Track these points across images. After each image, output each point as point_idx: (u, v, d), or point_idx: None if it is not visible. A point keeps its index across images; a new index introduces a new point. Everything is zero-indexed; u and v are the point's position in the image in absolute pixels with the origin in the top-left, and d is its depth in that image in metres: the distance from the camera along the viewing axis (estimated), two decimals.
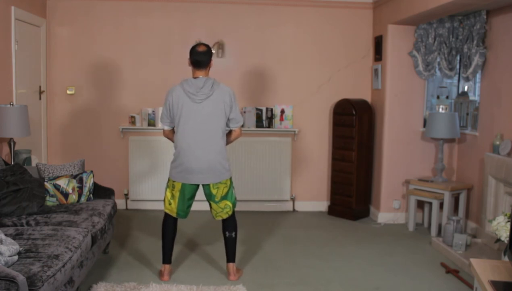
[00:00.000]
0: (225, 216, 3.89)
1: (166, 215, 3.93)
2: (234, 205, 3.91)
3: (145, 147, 5.83)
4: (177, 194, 3.82)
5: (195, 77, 3.74)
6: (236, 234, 3.94)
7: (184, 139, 3.72)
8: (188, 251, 4.53)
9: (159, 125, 5.74)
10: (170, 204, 3.87)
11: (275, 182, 5.96)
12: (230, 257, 3.94)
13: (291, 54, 5.95)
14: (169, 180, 3.87)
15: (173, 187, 3.83)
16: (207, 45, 3.80)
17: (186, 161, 3.72)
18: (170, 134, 3.93)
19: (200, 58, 3.71)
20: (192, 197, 3.88)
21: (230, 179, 3.88)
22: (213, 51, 3.74)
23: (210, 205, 3.91)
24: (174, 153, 3.82)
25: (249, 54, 5.92)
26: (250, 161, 5.90)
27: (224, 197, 3.84)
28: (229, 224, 3.92)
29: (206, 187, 3.81)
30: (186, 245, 4.68)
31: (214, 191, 3.80)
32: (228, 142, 3.91)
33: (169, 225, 3.92)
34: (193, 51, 3.74)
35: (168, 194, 3.87)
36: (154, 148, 5.84)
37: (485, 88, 4.93)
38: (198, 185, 3.82)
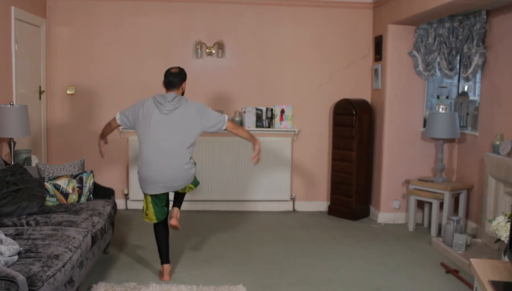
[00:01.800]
0: (186, 191, 4.03)
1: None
2: (196, 185, 4.05)
3: None
4: (150, 205, 3.88)
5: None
6: (183, 196, 4.06)
7: (149, 150, 3.74)
8: (188, 251, 4.53)
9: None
10: (147, 214, 3.91)
11: (275, 182, 5.96)
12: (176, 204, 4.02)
13: (291, 54, 5.95)
14: (144, 193, 3.91)
15: (145, 198, 3.89)
16: (181, 68, 3.94)
17: (150, 174, 3.75)
18: (109, 129, 4.06)
19: (172, 79, 3.85)
20: (165, 202, 3.97)
21: (194, 182, 4.02)
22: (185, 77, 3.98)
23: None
24: (138, 164, 3.86)
25: (249, 54, 5.92)
26: (250, 160, 5.89)
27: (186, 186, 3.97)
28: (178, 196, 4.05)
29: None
30: (186, 245, 4.68)
31: (181, 191, 3.97)
32: (245, 138, 4.07)
33: (160, 229, 3.97)
34: (167, 72, 3.90)
35: (144, 205, 3.92)
36: None
37: (485, 88, 4.93)
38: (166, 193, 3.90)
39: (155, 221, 3.92)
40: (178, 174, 3.77)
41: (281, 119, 5.92)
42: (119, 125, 3.98)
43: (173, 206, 4.01)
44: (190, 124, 3.77)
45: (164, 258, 3.92)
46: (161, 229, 3.95)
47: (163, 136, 3.72)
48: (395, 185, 5.66)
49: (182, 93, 3.93)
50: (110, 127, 4.08)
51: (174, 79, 3.85)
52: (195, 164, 3.95)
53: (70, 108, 5.85)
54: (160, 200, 3.88)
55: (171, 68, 3.93)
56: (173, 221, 3.94)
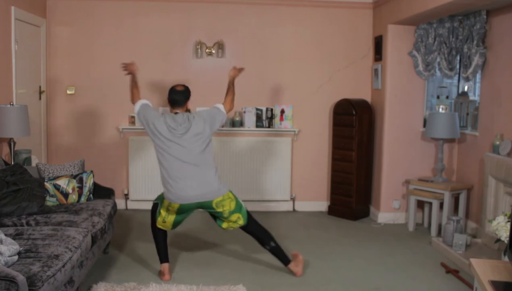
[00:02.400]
0: (236, 226, 3.95)
1: (152, 219, 3.99)
2: (245, 214, 3.94)
3: (145, 147, 5.83)
4: (173, 215, 3.88)
5: (174, 113, 3.88)
6: (275, 242, 3.99)
7: (173, 173, 3.76)
8: (188, 251, 4.53)
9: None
10: (164, 222, 3.91)
11: (275, 182, 5.96)
12: (285, 262, 4.01)
13: (291, 54, 5.95)
14: (163, 200, 3.89)
15: (168, 209, 3.86)
16: (185, 86, 3.96)
17: (179, 191, 3.75)
18: (135, 94, 4.18)
19: (177, 97, 3.88)
20: (189, 214, 3.97)
21: (231, 192, 3.92)
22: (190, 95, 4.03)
23: (220, 223, 3.98)
24: (163, 182, 3.85)
25: (249, 54, 5.92)
26: (250, 160, 5.90)
27: (233, 211, 3.88)
28: (262, 239, 4.00)
29: (210, 207, 3.84)
30: (186, 245, 4.68)
31: (220, 209, 3.84)
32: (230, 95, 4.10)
33: (156, 228, 3.98)
34: (171, 90, 3.92)
35: (163, 213, 3.89)
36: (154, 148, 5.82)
37: (485, 88, 4.93)
38: (197, 206, 3.85)
39: (170, 229, 3.95)
40: (206, 188, 3.77)
41: (281, 119, 5.92)
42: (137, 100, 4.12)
43: (285, 265, 4.01)
44: (202, 135, 3.80)
45: (163, 257, 3.93)
46: (159, 230, 3.97)
47: (181, 158, 3.75)
48: (395, 185, 5.66)
49: (186, 110, 3.96)
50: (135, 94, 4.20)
51: (179, 97, 3.89)
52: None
53: (70, 108, 5.85)
54: (187, 210, 3.86)
55: (176, 85, 3.95)
56: (298, 275, 3.97)
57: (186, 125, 3.77)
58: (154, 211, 4.00)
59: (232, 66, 4.31)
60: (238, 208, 3.90)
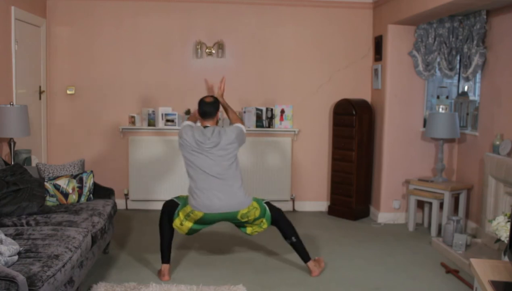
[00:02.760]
0: (261, 230, 4.01)
1: (163, 215, 3.97)
2: (268, 218, 3.98)
3: (145, 147, 5.83)
4: (190, 223, 3.89)
5: (204, 126, 3.91)
6: (296, 237, 4.01)
7: (200, 184, 3.81)
8: (188, 251, 4.53)
9: (160, 124, 5.76)
10: (182, 224, 3.90)
11: (275, 182, 5.96)
12: (305, 258, 4.03)
13: (291, 54, 5.95)
14: (187, 206, 3.88)
15: (189, 215, 3.86)
16: (214, 97, 4.00)
17: (206, 200, 3.79)
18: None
19: (208, 109, 3.91)
20: (207, 226, 4.01)
21: (257, 201, 3.96)
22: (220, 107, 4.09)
23: (244, 230, 4.04)
24: (189, 191, 3.88)
25: (249, 54, 5.92)
26: (250, 160, 5.90)
27: (258, 218, 3.94)
28: (285, 231, 4.02)
29: (235, 219, 3.88)
30: (186, 245, 4.68)
31: (244, 219, 3.89)
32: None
33: (165, 225, 3.96)
34: (201, 102, 3.94)
35: (182, 216, 3.89)
36: (154, 148, 5.84)
37: (485, 88, 4.93)
38: (221, 217, 3.87)
39: (184, 233, 3.95)
40: (233, 201, 3.80)
41: (281, 119, 5.92)
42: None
43: (304, 262, 4.04)
44: (231, 150, 3.87)
45: (166, 257, 3.92)
46: (168, 228, 3.94)
47: (209, 172, 3.79)
48: (395, 185, 5.66)
49: (216, 122, 4.01)
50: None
51: (210, 109, 3.93)
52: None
53: (70, 108, 5.85)
54: (210, 220, 3.87)
55: (205, 97, 3.98)
56: (314, 274, 4.00)
57: (216, 139, 3.81)
58: (168, 208, 3.97)
59: (212, 85, 4.28)
60: (262, 213, 3.95)
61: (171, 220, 3.95)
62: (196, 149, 3.81)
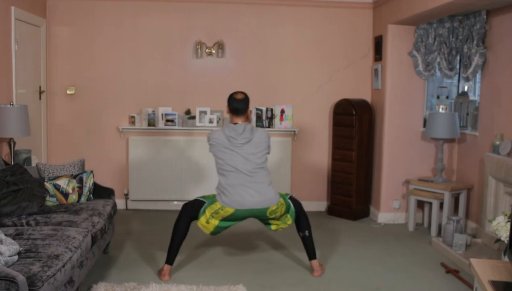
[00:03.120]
0: (285, 226, 4.05)
1: (181, 215, 3.93)
2: (293, 214, 4.01)
3: (145, 147, 5.83)
4: (217, 220, 3.87)
5: (234, 123, 3.90)
6: (310, 232, 4.05)
7: (231, 180, 3.82)
8: (188, 251, 4.53)
9: (160, 124, 5.76)
10: (207, 223, 3.89)
11: (275, 182, 5.92)
12: (311, 255, 4.05)
13: (291, 54, 5.95)
14: (215, 203, 3.87)
15: (218, 212, 3.84)
16: (244, 93, 3.97)
17: (238, 197, 3.80)
18: None
19: (239, 105, 3.89)
20: (234, 224, 3.99)
21: (283, 197, 3.98)
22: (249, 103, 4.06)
23: (269, 226, 4.07)
24: (219, 187, 3.88)
25: (249, 54, 5.92)
26: None
27: (283, 214, 3.98)
28: (300, 224, 4.06)
29: (263, 215, 3.90)
30: (186, 245, 4.67)
31: (272, 215, 3.92)
32: None
33: (181, 228, 3.92)
34: (231, 99, 3.92)
35: (208, 214, 3.87)
36: (154, 148, 5.84)
37: (485, 88, 4.93)
38: (251, 214, 3.87)
39: (209, 232, 3.93)
40: (263, 198, 3.82)
41: (281, 119, 5.92)
42: None
43: (309, 259, 4.07)
44: (263, 150, 3.91)
45: (171, 258, 3.90)
46: (183, 229, 3.90)
47: (239, 168, 3.81)
48: (395, 185, 5.66)
49: (246, 118, 3.99)
50: None
51: (241, 105, 3.91)
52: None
53: (70, 108, 5.85)
54: (239, 217, 3.87)
55: (235, 93, 3.96)
56: (316, 274, 4.02)
57: (248, 135, 3.83)
58: (191, 208, 3.94)
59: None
60: (287, 209, 3.98)
61: (192, 220, 3.93)
62: (228, 146, 3.82)
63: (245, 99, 3.93)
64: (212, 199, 3.92)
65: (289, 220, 4.02)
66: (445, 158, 5.53)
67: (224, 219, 3.88)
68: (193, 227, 5.22)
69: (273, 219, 3.98)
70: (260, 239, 4.95)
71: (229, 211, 3.81)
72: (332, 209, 5.92)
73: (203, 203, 3.93)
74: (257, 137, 3.87)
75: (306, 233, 4.03)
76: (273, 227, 4.07)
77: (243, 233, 5.11)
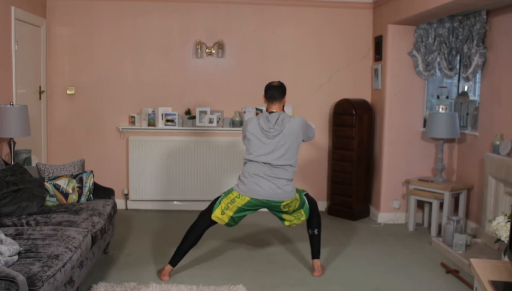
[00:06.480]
0: (299, 222, 4.07)
1: (196, 221, 3.93)
2: (307, 210, 4.03)
3: (145, 146, 5.83)
4: (232, 211, 3.88)
5: (269, 112, 3.89)
6: (319, 231, 4.06)
7: (253, 169, 3.84)
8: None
9: (160, 124, 5.77)
10: (223, 213, 3.89)
11: None
12: (315, 254, 4.06)
13: (291, 54, 5.95)
14: (232, 192, 3.88)
15: (234, 200, 3.85)
16: (280, 82, 3.98)
17: (255, 186, 3.81)
18: None
19: (274, 92, 3.89)
20: (249, 213, 3.99)
21: (299, 193, 3.99)
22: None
23: (283, 222, 4.09)
24: (241, 175, 3.91)
25: (249, 54, 5.92)
26: None
27: (297, 209, 4.00)
28: (312, 221, 4.07)
29: (277, 208, 3.91)
30: None
31: (286, 209, 3.94)
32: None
33: (195, 232, 3.91)
34: (267, 86, 3.93)
35: (224, 204, 3.88)
36: (154, 148, 5.84)
37: (485, 88, 4.93)
38: (265, 204, 3.88)
39: (224, 223, 3.92)
40: (278, 191, 3.83)
41: None
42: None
43: (312, 258, 4.08)
44: (293, 142, 3.85)
45: (176, 259, 3.90)
46: (197, 234, 3.90)
47: (267, 159, 3.81)
48: (395, 185, 5.66)
49: (283, 107, 3.97)
50: None
51: (276, 92, 3.90)
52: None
53: (70, 108, 5.85)
54: (253, 206, 3.87)
55: (272, 82, 3.97)
56: (316, 273, 4.03)
57: (279, 127, 3.82)
58: (205, 211, 3.95)
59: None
60: (301, 205, 4.01)
61: (207, 227, 3.94)
62: (260, 137, 3.83)
63: (281, 87, 3.92)
64: (229, 190, 3.94)
65: (303, 216, 4.04)
66: (445, 158, 5.53)
67: (240, 210, 3.89)
68: None
69: (286, 213, 4.00)
70: (260, 239, 4.95)
71: (246, 199, 3.83)
72: (332, 209, 5.92)
73: (218, 197, 3.97)
74: (288, 128, 3.82)
75: (316, 231, 4.06)
76: (286, 223, 4.09)
77: (243, 233, 5.11)
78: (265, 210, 4.09)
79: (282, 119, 3.83)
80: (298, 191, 4.03)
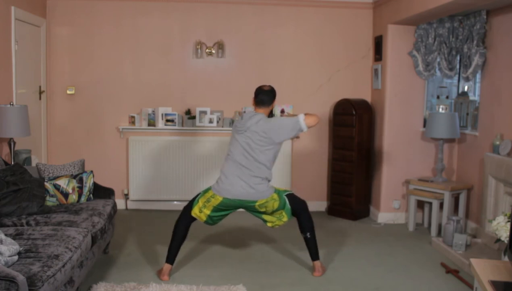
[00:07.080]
0: (281, 223, 4.03)
1: (180, 216, 3.98)
2: (288, 211, 3.98)
3: (145, 146, 5.83)
4: (209, 210, 3.90)
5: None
6: (312, 234, 4.01)
7: (228, 169, 3.87)
8: (188, 250, 4.53)
9: (160, 124, 5.77)
10: (201, 212, 3.92)
11: (275, 182, 5.93)
12: (313, 256, 4.04)
13: (291, 54, 5.95)
14: (208, 191, 3.92)
15: (209, 199, 3.88)
16: (271, 86, 4.00)
17: (228, 186, 3.83)
18: None
19: (263, 96, 3.91)
20: (226, 213, 4.00)
21: (278, 193, 3.95)
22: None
23: (263, 219, 4.05)
24: (220, 175, 3.94)
25: (249, 54, 5.92)
26: None
27: (276, 210, 3.96)
28: (302, 225, 4.03)
29: (252, 208, 3.91)
30: (186, 245, 4.67)
31: (263, 209, 3.92)
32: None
33: (180, 227, 3.96)
34: (258, 89, 3.96)
35: (201, 203, 3.92)
36: (154, 148, 5.84)
37: (485, 88, 4.93)
38: (239, 204, 3.89)
39: (203, 221, 3.96)
40: (248, 190, 3.82)
41: None
42: None
43: (312, 260, 4.06)
44: (266, 143, 3.82)
45: (171, 257, 3.91)
46: (183, 229, 3.95)
47: (236, 156, 3.83)
48: (395, 185, 5.66)
49: (271, 112, 3.97)
50: None
51: (266, 97, 3.92)
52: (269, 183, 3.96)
53: (70, 108, 5.85)
54: (227, 206, 3.88)
55: (263, 85, 4.00)
56: (316, 274, 4.02)
57: (248, 124, 3.81)
58: (189, 204, 4.00)
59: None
60: (282, 206, 3.95)
61: (192, 221, 3.97)
62: (234, 133, 3.89)
63: (271, 92, 3.94)
64: (207, 189, 3.97)
65: (284, 217, 4.00)
66: (445, 158, 5.53)
67: (215, 209, 3.90)
68: (194, 227, 5.22)
69: (265, 213, 3.97)
70: (260, 239, 4.95)
71: (219, 199, 3.85)
72: (332, 209, 5.92)
73: (198, 194, 3.99)
74: (256, 127, 3.80)
75: (308, 235, 4.00)
76: (269, 224, 4.06)
77: (243, 233, 5.11)
78: None
79: (258, 119, 3.83)
80: (278, 191, 3.97)
